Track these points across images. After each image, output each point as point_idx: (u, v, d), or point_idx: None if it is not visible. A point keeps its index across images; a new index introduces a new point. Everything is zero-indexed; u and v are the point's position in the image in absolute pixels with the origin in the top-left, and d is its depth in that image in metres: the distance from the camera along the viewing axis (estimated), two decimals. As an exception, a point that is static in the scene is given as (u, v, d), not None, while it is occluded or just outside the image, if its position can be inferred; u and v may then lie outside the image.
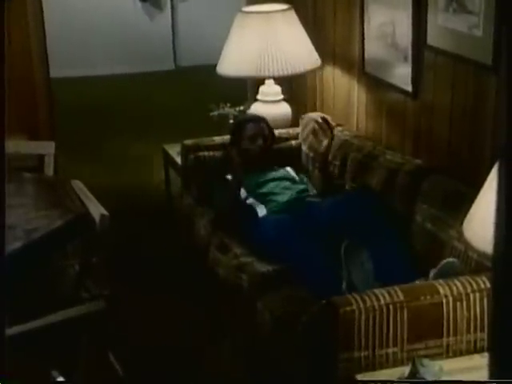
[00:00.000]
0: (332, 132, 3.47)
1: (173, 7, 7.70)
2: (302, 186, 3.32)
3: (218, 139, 3.76)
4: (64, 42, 5.57)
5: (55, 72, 5.44)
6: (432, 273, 2.44)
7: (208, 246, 3.23)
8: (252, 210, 3.16)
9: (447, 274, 2.39)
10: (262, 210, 3.13)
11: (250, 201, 3.23)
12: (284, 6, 3.75)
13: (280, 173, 3.40)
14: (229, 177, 3.37)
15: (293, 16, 3.71)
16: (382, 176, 3.05)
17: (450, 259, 2.47)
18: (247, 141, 3.43)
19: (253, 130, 3.45)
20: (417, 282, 2.44)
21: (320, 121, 3.50)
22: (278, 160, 3.47)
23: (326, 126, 3.48)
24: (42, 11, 4.62)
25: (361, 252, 2.72)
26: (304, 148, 3.66)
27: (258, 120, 3.54)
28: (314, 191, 3.35)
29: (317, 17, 3.91)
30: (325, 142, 3.45)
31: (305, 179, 3.42)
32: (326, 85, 3.92)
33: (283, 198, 3.19)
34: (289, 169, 3.46)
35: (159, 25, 7.57)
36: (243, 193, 3.28)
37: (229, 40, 3.75)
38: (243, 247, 3.06)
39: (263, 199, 3.21)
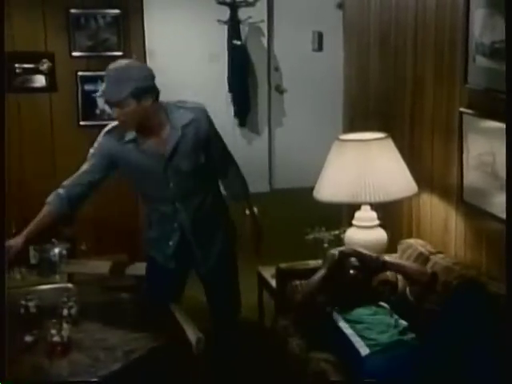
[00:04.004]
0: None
1: (270, 132, 7.98)
2: (401, 325, 3.22)
3: (312, 263, 3.78)
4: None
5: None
6: None
7: (304, 369, 3.18)
8: (354, 348, 3.09)
9: None
10: (364, 350, 3.06)
11: (349, 332, 3.16)
12: (381, 135, 3.81)
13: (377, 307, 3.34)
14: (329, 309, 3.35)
15: (390, 144, 3.76)
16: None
17: None
18: (346, 268, 3.36)
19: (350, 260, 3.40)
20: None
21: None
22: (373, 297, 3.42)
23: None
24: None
25: None
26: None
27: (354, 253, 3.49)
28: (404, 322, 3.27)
29: (414, 145, 3.94)
30: None
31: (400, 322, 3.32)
32: (423, 211, 3.90)
33: (383, 336, 3.11)
34: (384, 304, 3.37)
35: (256, 148, 7.82)
36: (340, 321, 3.23)
37: (326, 166, 3.82)
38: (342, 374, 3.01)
39: (361, 331, 3.14)
